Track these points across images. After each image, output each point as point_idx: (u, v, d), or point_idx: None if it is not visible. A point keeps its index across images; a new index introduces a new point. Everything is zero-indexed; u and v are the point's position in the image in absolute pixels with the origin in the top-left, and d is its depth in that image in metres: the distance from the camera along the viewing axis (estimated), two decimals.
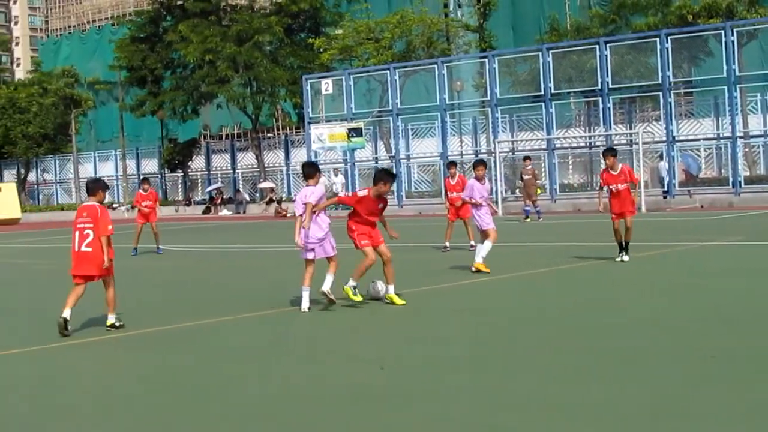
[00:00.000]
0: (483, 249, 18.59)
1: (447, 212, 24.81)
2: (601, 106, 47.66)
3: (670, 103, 45.65)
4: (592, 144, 51.53)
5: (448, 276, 18.38)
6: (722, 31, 44.76)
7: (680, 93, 50.49)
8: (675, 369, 9.12)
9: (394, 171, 17.25)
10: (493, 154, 48.73)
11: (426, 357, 10.40)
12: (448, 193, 24.43)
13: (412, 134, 58.29)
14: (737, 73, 44.69)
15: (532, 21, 68.35)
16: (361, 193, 14.59)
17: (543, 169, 49.68)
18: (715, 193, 44.78)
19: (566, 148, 51.45)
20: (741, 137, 45.94)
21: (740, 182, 44.17)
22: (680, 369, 9.13)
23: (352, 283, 14.36)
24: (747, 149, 47.89)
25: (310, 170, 14.47)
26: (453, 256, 22.25)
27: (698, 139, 50.20)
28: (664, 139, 46.26)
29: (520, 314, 13.32)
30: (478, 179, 19.47)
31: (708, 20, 49.13)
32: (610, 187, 18.92)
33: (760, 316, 12.15)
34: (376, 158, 56.68)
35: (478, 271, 18.18)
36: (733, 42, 44.13)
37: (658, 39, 45.80)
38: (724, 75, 44.40)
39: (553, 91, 48.14)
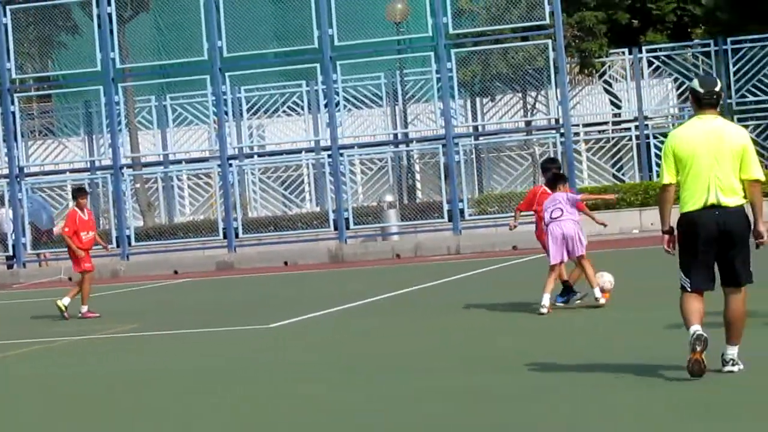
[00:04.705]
0: None
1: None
2: None
3: (14, 112, 33.03)
4: None
5: None
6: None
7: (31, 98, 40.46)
8: None
9: None
10: None
11: None
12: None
13: None
14: (118, 65, 32.29)
15: None
16: None
17: None
18: (102, 256, 28.55)
19: None
20: (129, 166, 33.61)
21: (126, 240, 31.47)
22: None
23: None
24: (139, 185, 35.12)
25: None
26: None
27: (64, 172, 37.82)
28: (6, 173, 33.61)
29: None
30: None
31: None
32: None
33: None
34: None
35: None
36: None
37: None
38: (99, 68, 32.24)
39: None
